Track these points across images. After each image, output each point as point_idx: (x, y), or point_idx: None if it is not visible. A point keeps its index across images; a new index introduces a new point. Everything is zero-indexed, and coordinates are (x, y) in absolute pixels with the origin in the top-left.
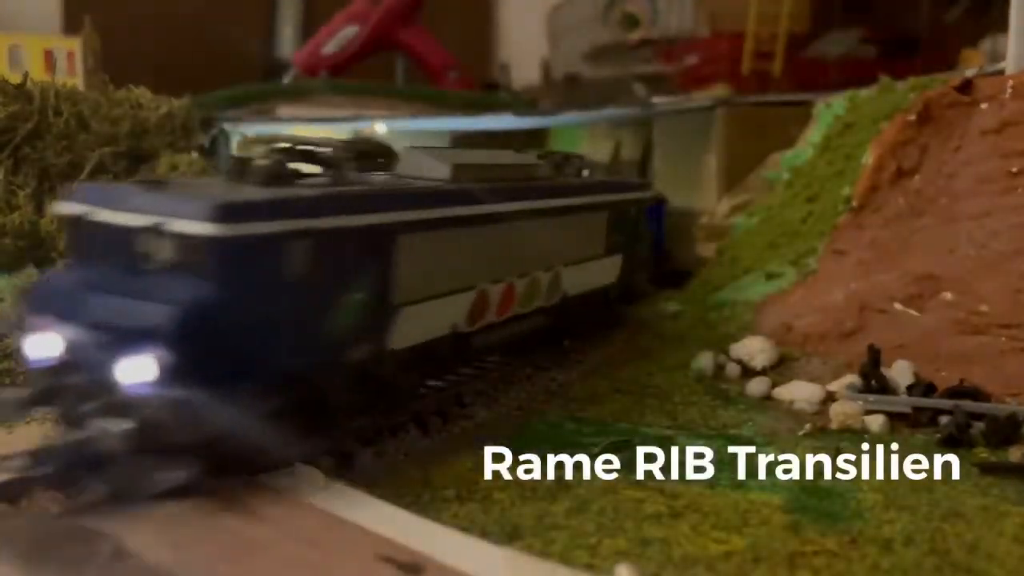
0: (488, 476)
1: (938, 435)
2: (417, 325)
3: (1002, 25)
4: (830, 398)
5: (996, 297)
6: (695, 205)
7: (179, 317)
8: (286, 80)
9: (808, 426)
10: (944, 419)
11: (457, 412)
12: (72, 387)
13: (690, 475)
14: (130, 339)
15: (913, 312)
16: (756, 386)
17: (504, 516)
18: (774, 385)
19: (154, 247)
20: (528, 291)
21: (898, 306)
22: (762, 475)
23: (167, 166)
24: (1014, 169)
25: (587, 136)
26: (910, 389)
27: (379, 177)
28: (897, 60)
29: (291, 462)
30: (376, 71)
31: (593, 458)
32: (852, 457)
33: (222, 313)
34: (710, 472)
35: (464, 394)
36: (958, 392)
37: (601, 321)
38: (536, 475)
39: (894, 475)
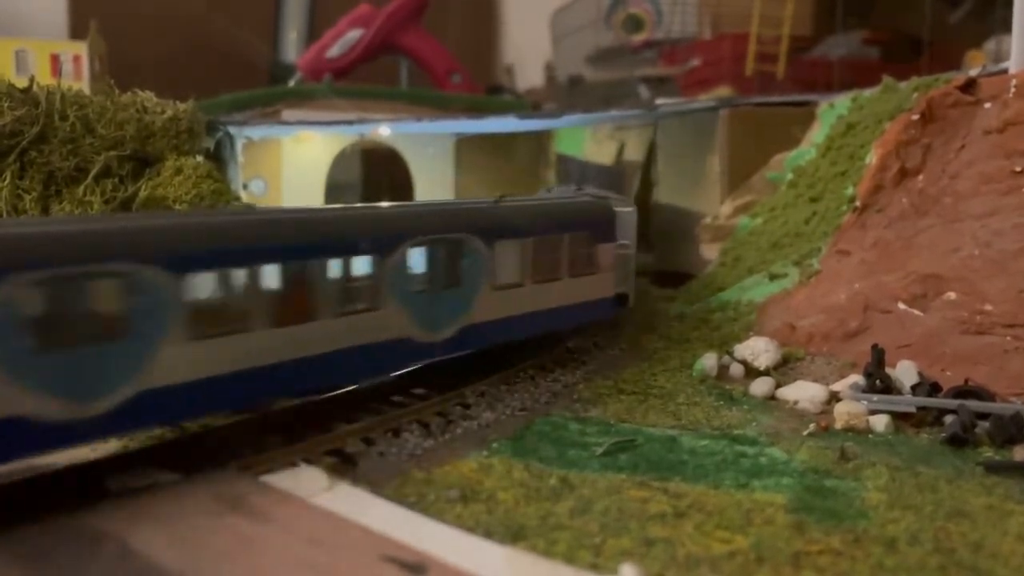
0: (492, 476)
1: (943, 435)
2: None
3: (1006, 26)
4: (834, 398)
5: (1000, 297)
6: (698, 206)
7: None
8: (291, 84)
9: (812, 426)
10: (949, 419)
11: (460, 412)
12: None
13: (694, 475)
14: None
15: (917, 312)
16: (760, 386)
17: (508, 516)
18: (778, 385)
19: None
20: None
21: (902, 306)
22: (766, 475)
23: (172, 169)
24: (1018, 168)
25: (590, 138)
26: (914, 389)
27: None
28: (901, 62)
29: None
30: (380, 75)
31: (597, 458)
32: (856, 457)
33: None
34: (714, 472)
35: (467, 395)
36: (963, 391)
37: None
38: (540, 475)
39: (898, 475)
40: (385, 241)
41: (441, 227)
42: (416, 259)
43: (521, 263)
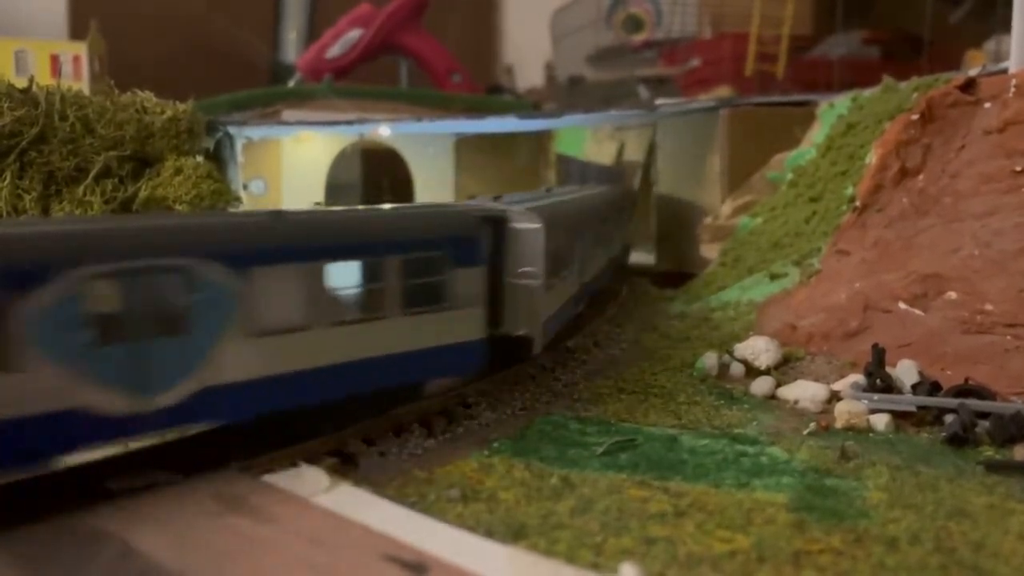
0: (492, 476)
1: (943, 434)
2: None
3: (1006, 26)
4: (835, 397)
5: (1001, 296)
6: (699, 206)
7: None
8: (290, 84)
9: (813, 425)
10: (949, 418)
11: (461, 412)
12: None
13: (694, 474)
14: None
15: (917, 311)
16: (760, 385)
17: (509, 515)
18: (778, 385)
19: None
20: None
21: (902, 305)
22: (767, 474)
23: (172, 170)
24: (1018, 168)
25: (591, 138)
26: (915, 388)
27: None
28: (901, 61)
29: None
30: (380, 75)
31: (597, 458)
32: (857, 456)
33: None
34: (715, 471)
35: (468, 394)
36: (963, 391)
37: None
38: (541, 475)
39: (899, 474)
40: (21, 272)
41: (148, 249)
42: (98, 297)
43: (308, 298)
